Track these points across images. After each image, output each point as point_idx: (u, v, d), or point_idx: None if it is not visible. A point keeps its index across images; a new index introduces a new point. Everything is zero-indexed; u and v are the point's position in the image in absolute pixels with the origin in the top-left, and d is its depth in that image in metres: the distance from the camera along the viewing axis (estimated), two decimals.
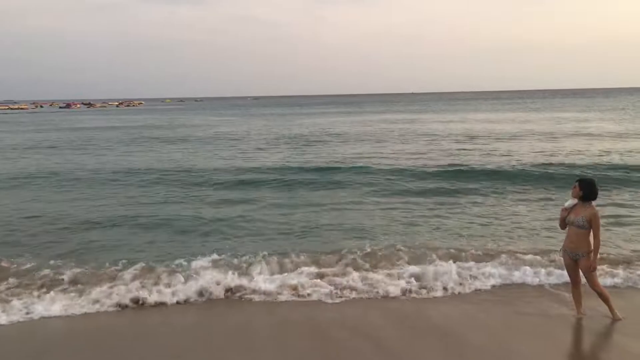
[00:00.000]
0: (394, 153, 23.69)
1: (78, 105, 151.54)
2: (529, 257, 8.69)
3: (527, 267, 8.23)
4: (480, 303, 7.21)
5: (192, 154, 25.13)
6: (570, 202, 6.42)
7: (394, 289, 7.56)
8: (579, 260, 6.35)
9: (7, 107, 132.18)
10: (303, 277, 7.96)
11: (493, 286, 7.80)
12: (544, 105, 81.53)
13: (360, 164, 19.79)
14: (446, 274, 7.93)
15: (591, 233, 6.23)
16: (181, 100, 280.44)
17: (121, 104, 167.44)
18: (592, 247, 6.25)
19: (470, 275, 8.00)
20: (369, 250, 9.18)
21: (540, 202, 13.19)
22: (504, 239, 10.01)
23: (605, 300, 6.49)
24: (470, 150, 24.12)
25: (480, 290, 7.69)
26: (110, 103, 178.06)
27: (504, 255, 8.80)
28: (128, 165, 20.96)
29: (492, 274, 8.03)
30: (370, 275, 8.04)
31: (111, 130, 44.92)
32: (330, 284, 7.70)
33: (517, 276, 8.03)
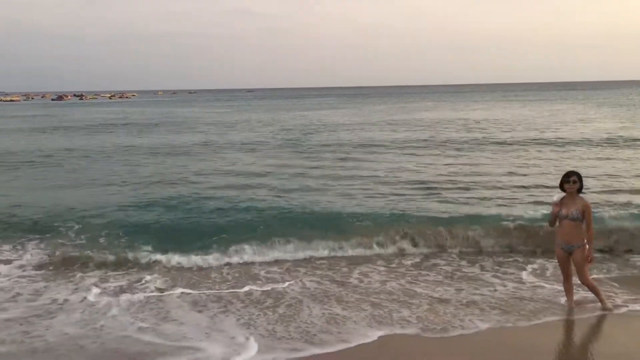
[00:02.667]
0: None
1: (69, 97, 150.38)
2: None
3: None
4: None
5: None
6: (558, 196, 6.46)
7: None
8: (574, 251, 6.37)
9: (0, 99, 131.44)
10: None
11: None
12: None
13: None
14: None
15: (583, 225, 6.28)
16: (174, 92, 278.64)
17: (114, 96, 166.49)
18: (586, 239, 6.31)
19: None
20: None
21: None
22: None
23: (595, 292, 6.57)
24: None
25: None
26: (102, 95, 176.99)
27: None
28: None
29: None
30: None
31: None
32: None
33: None
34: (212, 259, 8.80)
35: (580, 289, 6.85)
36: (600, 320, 6.40)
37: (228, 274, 8.27)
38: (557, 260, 6.75)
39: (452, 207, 11.47)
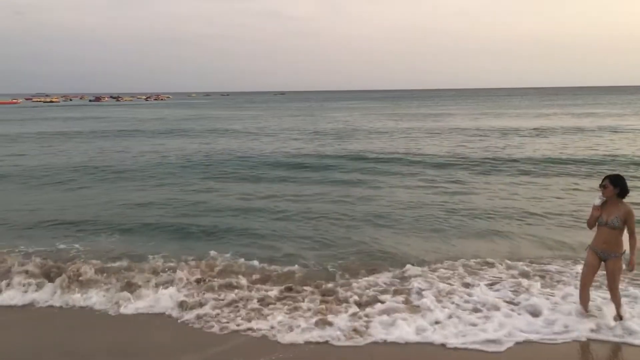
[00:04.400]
0: None
1: (106, 99, 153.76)
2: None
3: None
4: None
5: None
6: (600, 199, 6.05)
7: None
8: (609, 260, 6.03)
9: (41, 100, 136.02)
10: None
11: None
12: None
13: None
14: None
15: (624, 233, 5.94)
16: (207, 94, 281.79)
17: (149, 97, 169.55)
18: (624, 248, 5.96)
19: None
20: None
21: None
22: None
23: (617, 303, 6.23)
24: None
25: None
26: (138, 97, 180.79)
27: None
28: None
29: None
30: None
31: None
32: None
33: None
34: None
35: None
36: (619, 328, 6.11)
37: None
38: (584, 264, 6.26)
39: None
